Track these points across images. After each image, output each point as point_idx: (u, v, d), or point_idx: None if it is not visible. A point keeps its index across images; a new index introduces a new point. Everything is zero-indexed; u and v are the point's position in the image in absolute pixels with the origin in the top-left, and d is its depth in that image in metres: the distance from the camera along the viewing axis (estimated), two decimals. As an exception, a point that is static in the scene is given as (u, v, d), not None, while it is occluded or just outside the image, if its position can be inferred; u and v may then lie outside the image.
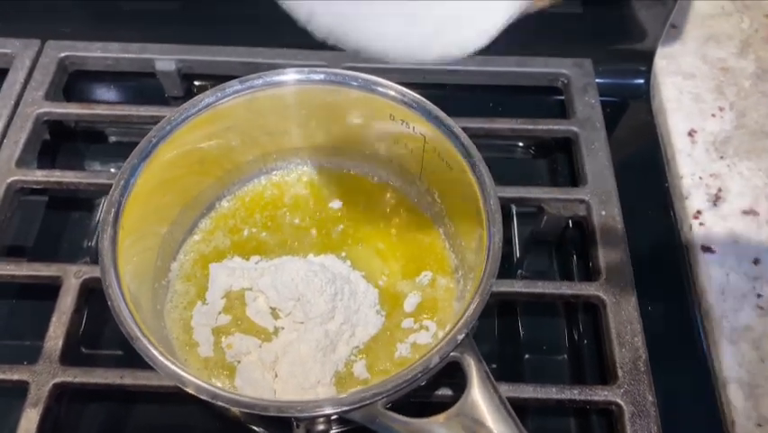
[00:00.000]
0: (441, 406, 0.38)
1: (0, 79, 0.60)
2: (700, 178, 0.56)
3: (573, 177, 0.58)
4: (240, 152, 0.51)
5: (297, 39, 0.62)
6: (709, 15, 0.67)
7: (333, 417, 0.38)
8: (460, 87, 0.63)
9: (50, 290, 0.48)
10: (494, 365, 0.50)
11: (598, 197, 0.54)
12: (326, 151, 0.53)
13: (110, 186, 0.42)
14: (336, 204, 0.52)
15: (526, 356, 0.51)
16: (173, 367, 0.36)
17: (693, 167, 0.57)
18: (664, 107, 0.62)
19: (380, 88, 0.46)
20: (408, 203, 0.52)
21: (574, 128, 0.58)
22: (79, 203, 0.59)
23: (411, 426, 0.37)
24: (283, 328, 0.45)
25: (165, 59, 0.61)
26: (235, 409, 0.43)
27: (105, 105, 0.60)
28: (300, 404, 0.36)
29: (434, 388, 0.45)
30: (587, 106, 0.59)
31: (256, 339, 0.45)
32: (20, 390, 0.44)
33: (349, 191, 0.53)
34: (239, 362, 0.44)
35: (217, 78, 0.55)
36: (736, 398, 0.46)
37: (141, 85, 0.64)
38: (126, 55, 0.62)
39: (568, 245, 0.56)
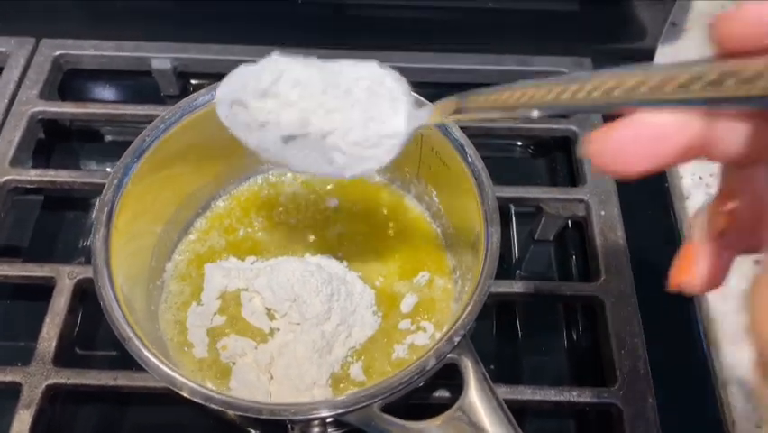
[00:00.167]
0: (438, 408, 0.38)
1: (-6, 78, 0.59)
2: (700, 178, 0.56)
3: (572, 176, 0.57)
4: (235, 151, 0.50)
5: (295, 37, 0.62)
6: (710, 14, 0.67)
7: (329, 419, 0.37)
8: (458, 86, 0.63)
9: (44, 290, 0.48)
10: (492, 367, 0.50)
11: (598, 196, 0.53)
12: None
13: (105, 185, 0.42)
14: (333, 204, 0.52)
15: (525, 358, 0.51)
16: (166, 369, 0.36)
17: (693, 167, 0.56)
18: (664, 106, 0.61)
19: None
20: (406, 203, 0.52)
21: (573, 127, 0.58)
22: (75, 203, 0.58)
23: (407, 429, 0.36)
24: (279, 329, 0.45)
25: (161, 57, 0.60)
26: (230, 412, 0.43)
27: (101, 103, 0.60)
28: (294, 407, 0.35)
29: (431, 390, 0.44)
30: (586, 105, 0.59)
31: (251, 340, 0.44)
32: (13, 391, 0.44)
33: (346, 191, 0.52)
34: (234, 363, 0.44)
35: (214, 76, 0.55)
36: (736, 399, 0.46)
37: (137, 84, 0.63)
38: (121, 53, 0.61)
39: (567, 246, 0.56)
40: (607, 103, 0.23)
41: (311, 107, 0.33)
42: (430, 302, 0.47)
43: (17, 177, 0.53)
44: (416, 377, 0.35)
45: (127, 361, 0.37)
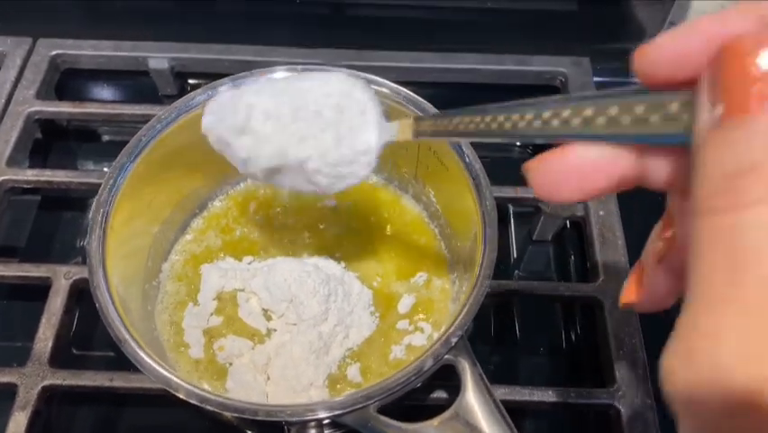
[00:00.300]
0: (435, 409, 0.37)
1: (-9, 78, 0.59)
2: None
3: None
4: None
5: (293, 37, 0.62)
6: (708, 13, 0.67)
7: (325, 421, 0.37)
8: (457, 86, 0.63)
9: (40, 290, 0.48)
10: (490, 367, 0.49)
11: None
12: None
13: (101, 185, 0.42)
14: (330, 204, 0.51)
15: (523, 358, 0.51)
16: (161, 370, 0.35)
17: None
18: (663, 106, 0.61)
19: (375, 86, 0.45)
20: (404, 203, 0.51)
21: (572, 127, 0.57)
22: (72, 203, 0.58)
23: (404, 430, 0.36)
24: (276, 330, 0.45)
25: (158, 57, 0.60)
26: (226, 414, 0.43)
27: (98, 103, 0.60)
28: (290, 408, 0.35)
29: (428, 391, 0.44)
30: (585, 105, 0.59)
31: (248, 341, 0.44)
32: (8, 392, 0.44)
33: (343, 191, 0.52)
34: (230, 364, 0.44)
35: (211, 76, 0.55)
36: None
37: (135, 83, 0.63)
38: (119, 53, 0.61)
39: (565, 246, 0.56)
40: (546, 134, 0.23)
41: (285, 139, 0.34)
42: (428, 303, 0.47)
43: (14, 177, 0.53)
44: (412, 378, 0.35)
45: (124, 362, 0.37)
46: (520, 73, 0.62)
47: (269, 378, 0.43)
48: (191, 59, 0.61)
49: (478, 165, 0.43)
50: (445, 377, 0.40)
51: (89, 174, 0.54)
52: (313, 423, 0.36)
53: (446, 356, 0.37)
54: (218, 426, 0.46)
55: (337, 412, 0.35)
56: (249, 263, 0.48)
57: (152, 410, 0.47)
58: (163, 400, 0.39)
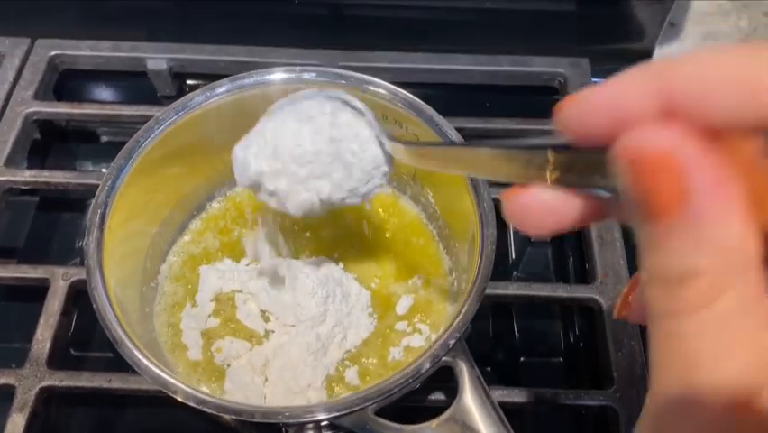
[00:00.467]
0: (433, 411, 0.37)
1: (-11, 79, 0.59)
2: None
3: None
4: (230, 152, 0.50)
5: (291, 38, 0.62)
6: (708, 14, 0.67)
7: (323, 423, 0.37)
8: (455, 87, 0.63)
9: (38, 292, 0.48)
10: (488, 369, 0.49)
11: (595, 198, 0.53)
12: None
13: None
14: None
15: (522, 359, 0.51)
16: (158, 372, 0.35)
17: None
18: (662, 107, 0.61)
19: (372, 87, 0.46)
20: (402, 204, 0.51)
21: (571, 128, 0.57)
22: (70, 203, 0.58)
23: (402, 432, 0.36)
24: (273, 331, 0.45)
25: (156, 57, 0.60)
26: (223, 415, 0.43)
27: (96, 104, 0.60)
28: (288, 410, 0.35)
29: (426, 392, 0.44)
30: (584, 106, 0.59)
31: (246, 342, 0.44)
32: (6, 394, 0.44)
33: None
34: (229, 365, 0.43)
35: (210, 77, 0.55)
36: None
37: (133, 84, 0.63)
38: (117, 54, 0.61)
39: (564, 247, 0.55)
40: (500, 178, 0.25)
41: (302, 188, 0.37)
42: (426, 304, 0.47)
43: (12, 177, 0.53)
44: (410, 380, 0.35)
45: (122, 363, 0.37)
46: (519, 74, 0.61)
47: (267, 379, 0.43)
48: (189, 59, 0.61)
49: (476, 166, 0.43)
50: (443, 379, 0.40)
51: (87, 175, 0.54)
52: (310, 425, 0.36)
53: (444, 358, 0.37)
54: (217, 427, 0.46)
55: (335, 414, 0.35)
56: (247, 265, 0.48)
57: (150, 412, 0.47)
58: (161, 401, 0.39)
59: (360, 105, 0.36)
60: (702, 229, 0.17)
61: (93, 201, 0.41)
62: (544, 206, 0.22)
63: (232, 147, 0.49)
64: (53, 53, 0.61)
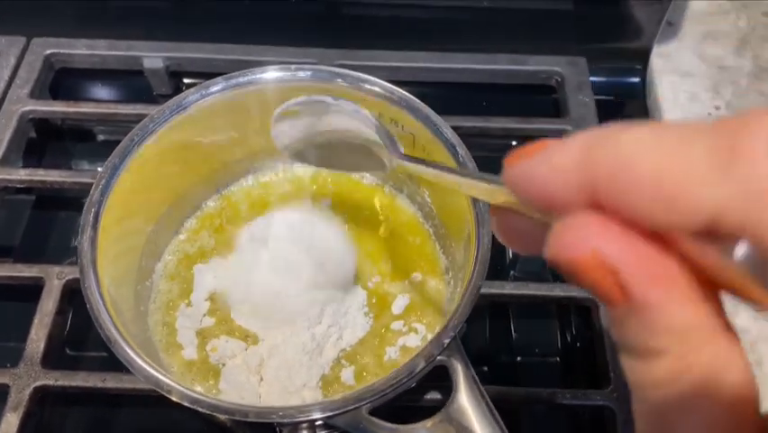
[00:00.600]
0: (428, 410, 0.37)
1: (-16, 77, 0.59)
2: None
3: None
4: (226, 151, 0.50)
5: (288, 37, 0.62)
6: (706, 13, 0.66)
7: (318, 422, 0.37)
8: (452, 86, 0.62)
9: (33, 291, 0.48)
10: (485, 368, 0.49)
11: (592, 197, 0.53)
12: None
13: (93, 185, 0.41)
14: (325, 203, 0.51)
15: (518, 359, 0.50)
16: (152, 372, 0.35)
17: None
18: (660, 106, 0.61)
19: (368, 86, 0.46)
20: (398, 203, 0.51)
21: (568, 127, 0.57)
22: (66, 202, 0.58)
23: (396, 432, 0.36)
24: (269, 331, 0.44)
25: (153, 56, 0.60)
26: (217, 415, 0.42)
27: (92, 103, 0.59)
28: (282, 410, 0.35)
29: (421, 392, 0.44)
30: (581, 105, 0.59)
31: (241, 342, 0.44)
32: (0, 393, 0.43)
33: (338, 191, 0.52)
34: (224, 365, 0.43)
35: (206, 75, 0.54)
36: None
37: (130, 83, 0.63)
38: (113, 52, 0.61)
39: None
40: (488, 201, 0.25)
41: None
42: (422, 303, 0.46)
43: (7, 176, 0.53)
44: (404, 380, 0.35)
45: (117, 362, 0.37)
46: (516, 73, 0.61)
47: (262, 379, 0.43)
48: (186, 58, 0.61)
49: (471, 165, 0.43)
50: (439, 378, 0.39)
51: (83, 174, 0.54)
52: (304, 425, 0.36)
53: (439, 357, 0.36)
54: (212, 427, 0.46)
55: (328, 414, 0.35)
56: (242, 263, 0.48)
57: (145, 411, 0.47)
58: (156, 401, 0.39)
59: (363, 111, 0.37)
60: (651, 315, 0.17)
61: (87, 200, 0.41)
62: (518, 227, 0.22)
63: (227, 145, 0.49)
64: (49, 52, 0.60)
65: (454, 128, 0.44)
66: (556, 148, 0.18)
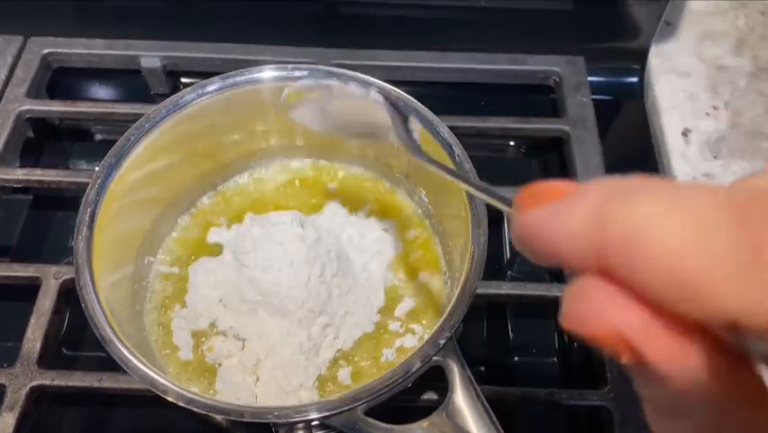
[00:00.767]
0: (424, 410, 0.37)
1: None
2: (694, 178, 0.56)
3: (565, 177, 0.57)
4: (223, 150, 0.50)
5: (285, 36, 0.62)
6: (705, 13, 0.66)
7: (314, 423, 0.37)
8: (450, 85, 0.62)
9: (30, 290, 0.48)
10: (483, 368, 0.49)
11: (590, 197, 0.53)
12: (312, 149, 0.52)
13: (90, 185, 0.41)
14: (325, 202, 0.51)
15: (515, 359, 0.50)
16: (147, 372, 0.35)
17: (687, 167, 0.56)
18: (658, 106, 0.61)
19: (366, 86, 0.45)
20: (397, 203, 0.51)
21: (566, 127, 0.57)
22: (64, 202, 0.58)
23: (392, 432, 0.36)
24: (265, 331, 0.44)
25: (150, 55, 0.60)
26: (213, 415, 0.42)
27: (89, 102, 0.59)
28: (277, 410, 0.35)
29: (418, 392, 0.44)
30: (579, 105, 0.59)
31: (237, 342, 0.44)
32: (-4, 393, 0.44)
33: (336, 190, 0.52)
34: (220, 365, 0.43)
35: (204, 75, 0.54)
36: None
37: (127, 82, 0.63)
38: (111, 52, 0.61)
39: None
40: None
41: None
42: (420, 304, 0.46)
43: (4, 176, 0.53)
44: (400, 380, 0.35)
45: (114, 362, 0.37)
46: (514, 72, 0.61)
47: (258, 379, 0.43)
48: (183, 57, 0.61)
49: (468, 165, 0.42)
50: (435, 378, 0.39)
51: (80, 173, 0.54)
52: (300, 425, 0.36)
53: (435, 358, 0.36)
54: (208, 427, 0.46)
55: (324, 414, 0.35)
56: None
57: (142, 411, 0.47)
58: (153, 400, 0.39)
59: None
60: (671, 384, 0.17)
61: (83, 199, 0.41)
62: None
63: (223, 144, 0.49)
64: (46, 51, 0.60)
65: (452, 128, 0.44)
66: (569, 203, 0.18)
